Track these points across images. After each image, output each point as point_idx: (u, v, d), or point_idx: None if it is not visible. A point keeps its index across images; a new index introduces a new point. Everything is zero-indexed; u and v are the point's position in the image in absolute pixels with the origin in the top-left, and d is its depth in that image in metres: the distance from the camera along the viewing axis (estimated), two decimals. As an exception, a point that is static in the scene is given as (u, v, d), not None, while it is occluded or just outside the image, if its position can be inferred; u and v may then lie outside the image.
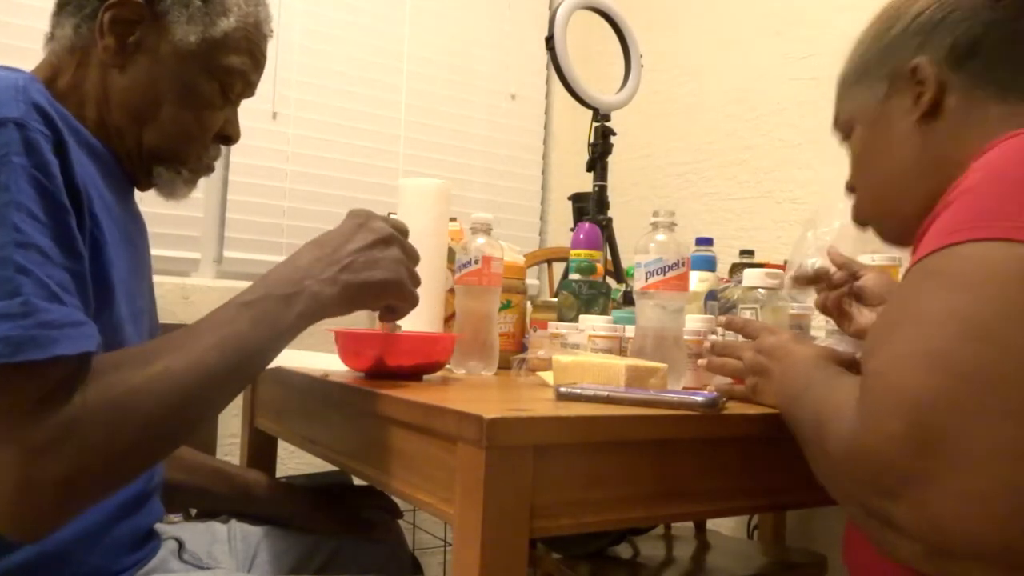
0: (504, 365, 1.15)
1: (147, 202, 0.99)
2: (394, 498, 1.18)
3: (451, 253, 1.21)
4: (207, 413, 0.79)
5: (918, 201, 0.80)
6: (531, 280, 2.31)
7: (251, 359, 0.78)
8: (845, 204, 1.44)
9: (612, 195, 1.76)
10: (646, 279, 0.99)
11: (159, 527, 1.01)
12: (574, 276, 1.30)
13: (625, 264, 1.75)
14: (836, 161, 1.94)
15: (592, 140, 1.74)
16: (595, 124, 1.74)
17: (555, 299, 1.32)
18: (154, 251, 1.03)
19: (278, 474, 1.35)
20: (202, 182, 1.01)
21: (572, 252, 1.39)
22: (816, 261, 1.36)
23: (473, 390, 0.95)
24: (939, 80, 0.80)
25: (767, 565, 1.56)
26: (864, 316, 1.03)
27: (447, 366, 1.08)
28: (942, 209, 0.68)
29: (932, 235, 0.66)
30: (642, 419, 0.77)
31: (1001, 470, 0.55)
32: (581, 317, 1.19)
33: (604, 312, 1.26)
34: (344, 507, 1.17)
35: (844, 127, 0.94)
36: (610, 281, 1.57)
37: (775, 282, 1.04)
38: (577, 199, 1.94)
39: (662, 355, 0.97)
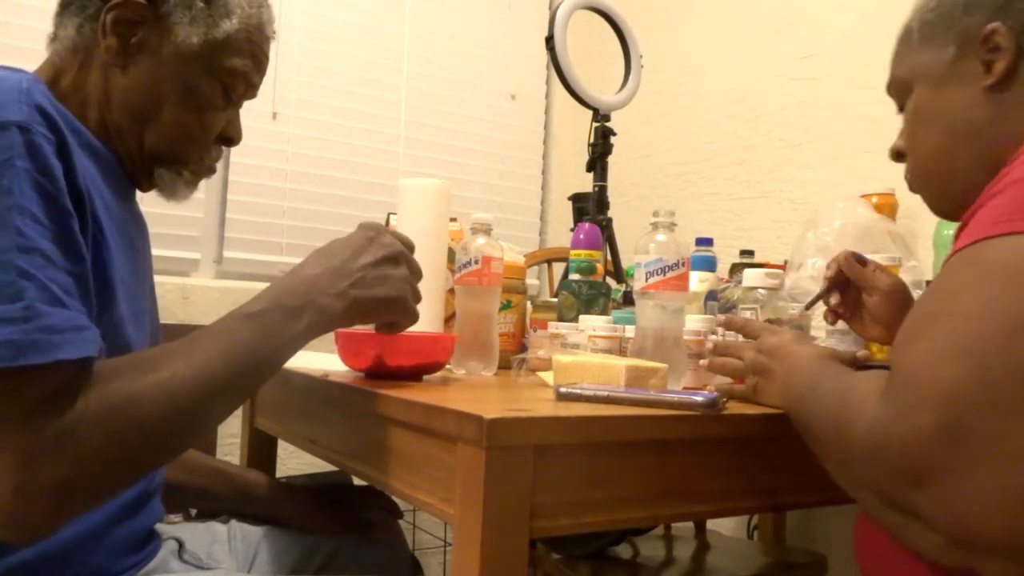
0: (504, 365, 1.15)
1: (147, 202, 0.99)
2: (394, 498, 1.18)
3: (451, 253, 1.21)
4: (207, 423, 0.79)
5: (970, 171, 0.79)
6: (531, 280, 2.31)
7: (254, 371, 0.78)
8: (845, 204, 1.45)
9: (612, 195, 1.76)
10: (646, 279, 0.99)
11: (159, 527, 1.01)
12: (574, 276, 1.30)
13: (625, 264, 1.75)
14: (836, 161, 1.95)
15: (592, 140, 1.74)
16: (595, 124, 1.74)
17: (555, 299, 1.32)
18: (154, 251, 1.03)
19: (278, 474, 1.35)
20: (202, 182, 1.01)
21: (572, 252, 1.39)
22: (817, 261, 1.36)
23: (473, 390, 0.95)
24: (1017, 48, 0.77)
25: (767, 565, 1.56)
26: (873, 327, 1.03)
27: (447, 366, 1.08)
28: (988, 199, 0.67)
29: (975, 224, 0.65)
30: (642, 419, 0.77)
31: None
32: (581, 317, 1.19)
33: (604, 312, 1.26)
34: (344, 507, 1.17)
35: (901, 88, 0.90)
36: (610, 281, 1.57)
37: (775, 282, 1.04)
38: (577, 199, 1.94)
39: (662, 355, 0.97)
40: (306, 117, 2.26)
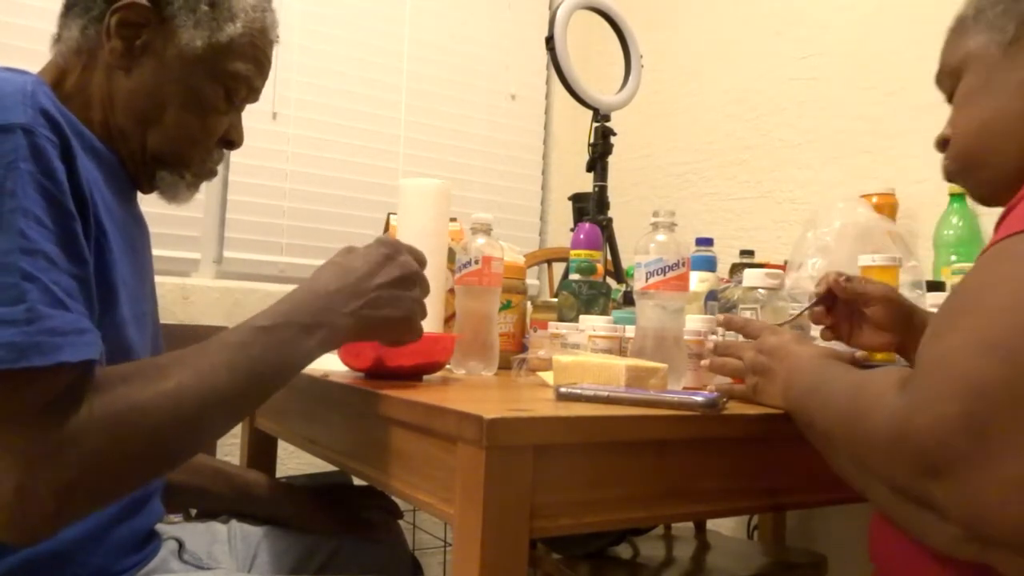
0: (504, 365, 1.15)
1: (147, 202, 0.99)
2: (394, 498, 1.18)
3: (451, 253, 1.21)
4: (212, 434, 0.79)
5: (1017, 156, 0.78)
6: (531, 280, 2.31)
7: (262, 384, 0.78)
8: (845, 204, 1.45)
9: (612, 195, 1.76)
10: (646, 279, 0.99)
11: (159, 527, 1.01)
12: (574, 276, 1.30)
13: (625, 264, 1.75)
14: (836, 161, 1.95)
15: (592, 140, 1.74)
16: (595, 124, 1.74)
17: (555, 299, 1.33)
18: (154, 251, 1.03)
19: (278, 474, 1.35)
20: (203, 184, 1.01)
21: (572, 252, 1.39)
22: (817, 261, 1.36)
23: (473, 390, 0.95)
24: None
25: (767, 565, 1.56)
26: (877, 336, 1.01)
27: (447, 366, 1.08)
28: None
29: (1015, 217, 0.65)
30: (642, 419, 0.77)
31: None
32: (581, 317, 1.19)
33: (604, 312, 1.26)
34: (344, 507, 1.17)
35: (953, 75, 0.88)
36: (610, 281, 1.57)
37: (775, 282, 1.04)
38: (577, 199, 1.94)
39: (662, 355, 0.97)
40: (306, 117, 2.26)
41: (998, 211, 0.74)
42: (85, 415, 0.66)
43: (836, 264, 1.30)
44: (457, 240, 1.25)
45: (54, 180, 0.70)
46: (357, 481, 1.17)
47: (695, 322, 1.07)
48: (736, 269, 1.53)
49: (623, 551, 1.51)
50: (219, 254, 2.16)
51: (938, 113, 0.92)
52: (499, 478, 0.67)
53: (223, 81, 0.92)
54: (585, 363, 0.91)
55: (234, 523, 1.13)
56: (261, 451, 1.36)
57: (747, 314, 1.02)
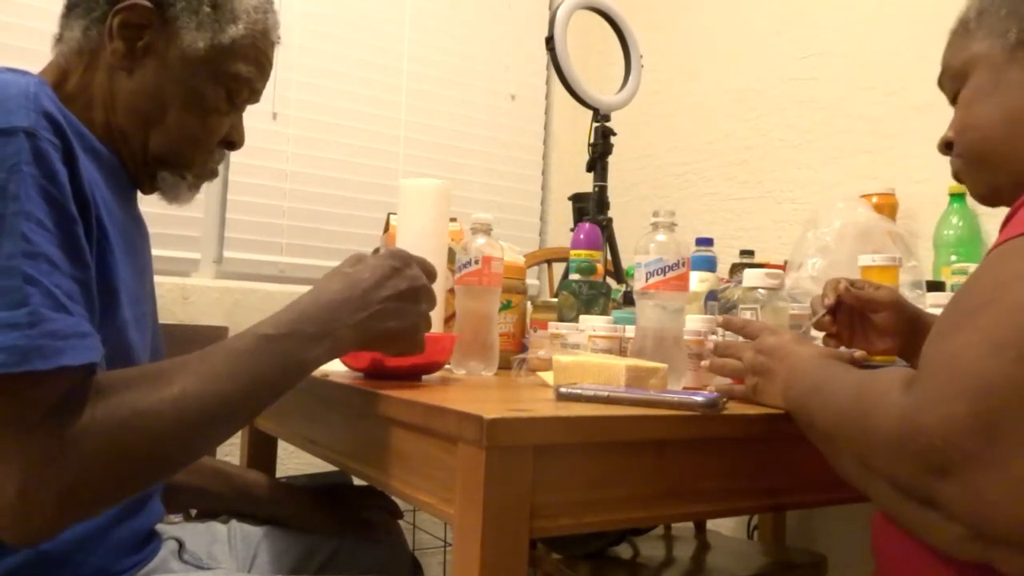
0: (504, 365, 1.15)
1: (148, 202, 0.99)
2: (394, 498, 1.18)
3: (451, 253, 1.21)
4: (214, 441, 0.80)
5: (1022, 156, 0.78)
6: (531, 280, 2.31)
7: (264, 393, 0.78)
8: (845, 204, 1.45)
9: (612, 195, 1.76)
10: (646, 279, 0.99)
11: (159, 527, 1.01)
12: (574, 276, 1.30)
13: (625, 264, 1.75)
14: (836, 161, 1.95)
15: (592, 140, 1.74)
16: (595, 124, 1.74)
17: (555, 299, 1.33)
18: (154, 251, 1.03)
19: (278, 474, 1.35)
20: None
21: (572, 252, 1.39)
22: (817, 261, 1.36)
23: (473, 390, 0.95)
24: None
25: (767, 565, 1.56)
26: (881, 341, 1.01)
27: (447, 366, 1.08)
28: None
29: (1022, 216, 0.65)
30: (642, 419, 0.77)
31: None
32: (581, 317, 1.19)
33: (604, 312, 1.26)
34: (344, 507, 1.17)
35: (956, 77, 0.88)
36: (610, 281, 1.58)
37: (775, 282, 1.04)
38: (577, 199, 1.94)
39: (662, 355, 0.97)
40: (306, 117, 2.26)
41: (998, 211, 0.74)
42: (88, 419, 0.66)
43: (836, 264, 1.31)
44: (457, 240, 1.25)
45: (56, 183, 0.70)
46: (357, 481, 1.17)
47: (695, 322, 1.07)
48: (736, 269, 1.53)
49: (623, 551, 1.51)
50: (219, 254, 2.17)
51: (938, 113, 0.92)
52: (499, 478, 0.67)
53: (225, 82, 0.92)
54: (585, 363, 0.91)
55: (234, 523, 1.13)
56: (261, 451, 1.36)
57: (747, 314, 1.02)
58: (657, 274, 0.98)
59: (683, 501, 0.81)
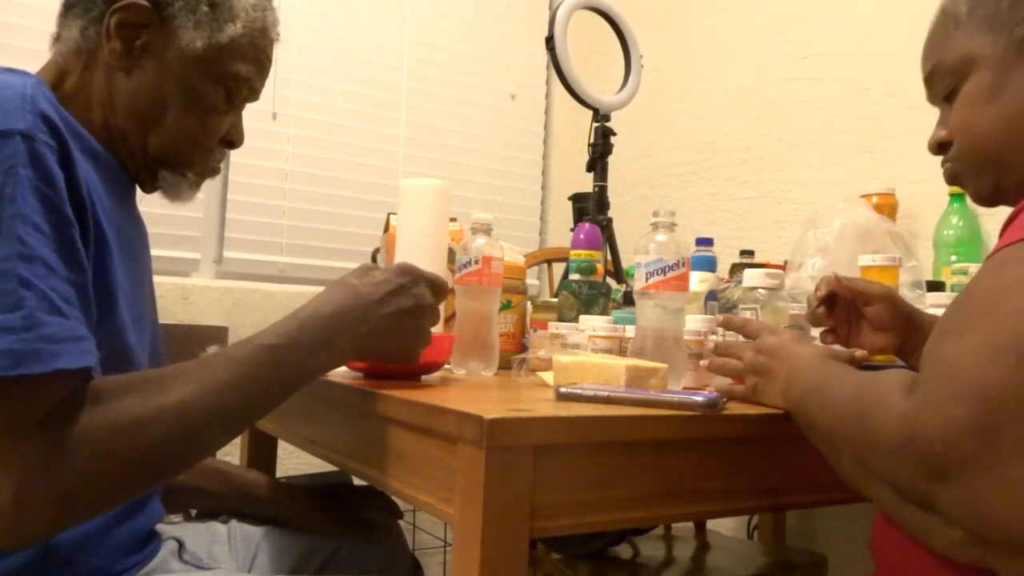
0: (504, 365, 1.15)
1: (147, 202, 0.99)
2: (394, 498, 1.18)
3: (451, 253, 1.21)
4: (210, 449, 0.80)
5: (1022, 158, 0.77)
6: (531, 280, 2.31)
7: (263, 402, 0.79)
8: (845, 204, 1.45)
9: (612, 195, 1.76)
10: (646, 279, 0.99)
11: (159, 527, 1.01)
12: (574, 276, 1.30)
13: (625, 264, 1.75)
14: (836, 161, 1.95)
15: (592, 140, 1.74)
16: (595, 124, 1.74)
17: (555, 299, 1.32)
18: (154, 251, 1.03)
19: (278, 474, 1.35)
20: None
21: (572, 252, 1.39)
22: (817, 261, 1.36)
23: (473, 390, 0.95)
24: None
25: (767, 565, 1.56)
26: (877, 337, 1.01)
27: (447, 366, 1.08)
28: None
29: (1022, 221, 0.64)
30: (642, 419, 0.76)
31: None
32: (581, 317, 1.19)
33: (604, 312, 1.26)
34: (344, 507, 1.17)
35: (951, 75, 0.85)
36: (610, 281, 1.57)
37: (775, 282, 1.04)
38: (577, 199, 1.94)
39: (662, 355, 0.97)
40: (306, 117, 2.26)
41: (998, 211, 0.74)
42: (83, 424, 0.66)
43: (836, 264, 1.31)
44: (457, 240, 1.25)
45: (53, 186, 0.70)
46: (357, 481, 1.17)
47: (695, 322, 1.07)
48: (736, 269, 1.53)
49: (623, 551, 1.51)
50: (219, 254, 2.16)
51: (939, 113, 0.91)
52: (499, 478, 0.67)
53: (224, 82, 0.92)
54: (585, 363, 0.91)
55: (234, 523, 1.13)
56: (261, 451, 1.36)
57: (747, 314, 1.02)
58: (657, 274, 0.98)
59: (683, 501, 0.81)
